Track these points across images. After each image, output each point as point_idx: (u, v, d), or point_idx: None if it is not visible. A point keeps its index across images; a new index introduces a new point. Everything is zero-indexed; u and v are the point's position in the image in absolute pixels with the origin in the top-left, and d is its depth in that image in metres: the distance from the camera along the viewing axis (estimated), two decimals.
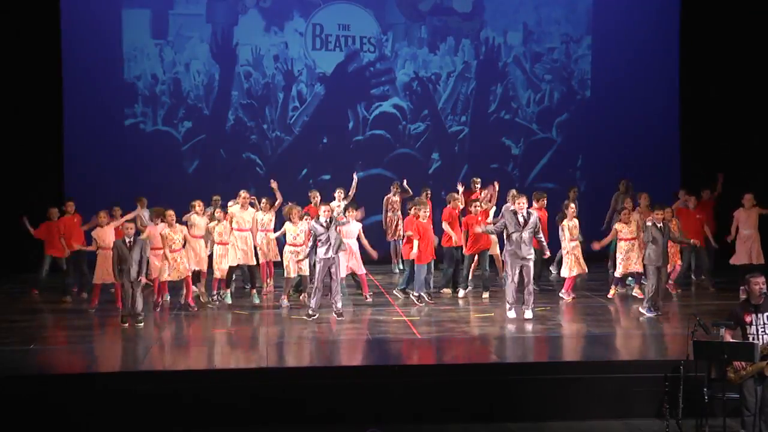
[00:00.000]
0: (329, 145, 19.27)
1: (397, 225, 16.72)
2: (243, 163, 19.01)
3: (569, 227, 13.95)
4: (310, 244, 12.73)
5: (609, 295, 14.06)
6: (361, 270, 13.92)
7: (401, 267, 16.31)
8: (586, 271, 14.18)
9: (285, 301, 13.54)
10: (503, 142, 19.61)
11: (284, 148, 19.15)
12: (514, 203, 12.71)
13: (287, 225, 13.52)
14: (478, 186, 16.13)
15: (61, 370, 10.42)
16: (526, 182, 19.29)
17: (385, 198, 16.85)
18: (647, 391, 9.77)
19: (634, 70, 19.42)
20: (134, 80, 18.63)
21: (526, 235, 12.44)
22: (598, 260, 16.22)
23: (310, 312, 12.46)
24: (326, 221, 12.53)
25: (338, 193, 15.66)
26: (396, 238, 16.81)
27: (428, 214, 13.98)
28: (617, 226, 13.97)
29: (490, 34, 19.43)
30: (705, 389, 9.11)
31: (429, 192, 16.21)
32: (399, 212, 16.68)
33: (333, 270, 12.52)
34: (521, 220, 12.47)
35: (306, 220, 13.59)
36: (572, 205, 14.41)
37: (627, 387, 9.86)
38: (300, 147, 19.14)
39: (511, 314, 12.41)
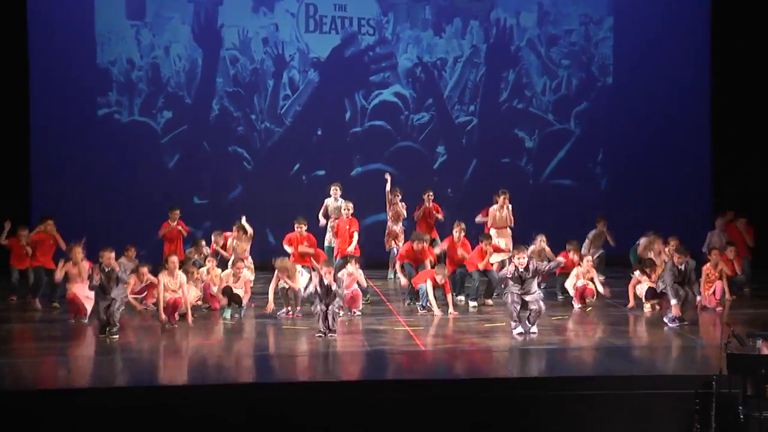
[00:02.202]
0: (324, 137, 19.29)
1: (396, 237, 16.61)
2: (229, 158, 19.02)
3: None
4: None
5: (646, 312, 13.81)
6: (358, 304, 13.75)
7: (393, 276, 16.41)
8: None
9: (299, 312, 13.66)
10: (516, 134, 19.61)
11: (274, 141, 19.16)
12: (513, 257, 12.34)
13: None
14: (504, 196, 15.74)
15: (34, 384, 10.44)
16: (541, 178, 19.33)
17: (387, 200, 16.61)
18: (676, 409, 9.75)
19: (660, 54, 19.40)
20: (108, 65, 18.63)
21: (531, 287, 12.12)
22: (619, 265, 16.24)
23: (319, 332, 12.31)
24: (327, 285, 12.13)
25: (334, 191, 15.63)
26: (393, 247, 16.73)
27: (422, 246, 14.19)
28: (639, 275, 13.94)
29: (501, 15, 19.43)
30: (740, 407, 9.16)
31: (431, 194, 16.16)
32: (400, 224, 16.57)
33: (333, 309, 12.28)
34: (523, 275, 12.08)
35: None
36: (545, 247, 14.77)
37: (653, 404, 9.84)
38: (292, 140, 19.15)
39: (518, 330, 12.18)
